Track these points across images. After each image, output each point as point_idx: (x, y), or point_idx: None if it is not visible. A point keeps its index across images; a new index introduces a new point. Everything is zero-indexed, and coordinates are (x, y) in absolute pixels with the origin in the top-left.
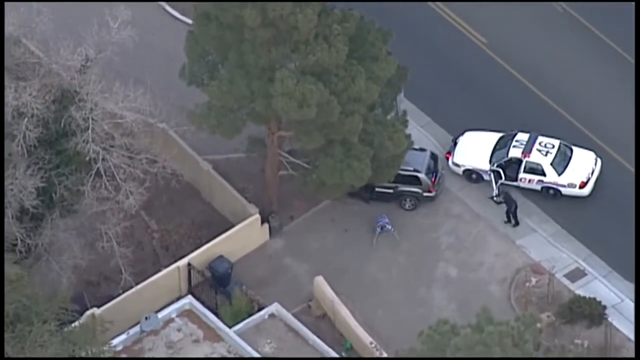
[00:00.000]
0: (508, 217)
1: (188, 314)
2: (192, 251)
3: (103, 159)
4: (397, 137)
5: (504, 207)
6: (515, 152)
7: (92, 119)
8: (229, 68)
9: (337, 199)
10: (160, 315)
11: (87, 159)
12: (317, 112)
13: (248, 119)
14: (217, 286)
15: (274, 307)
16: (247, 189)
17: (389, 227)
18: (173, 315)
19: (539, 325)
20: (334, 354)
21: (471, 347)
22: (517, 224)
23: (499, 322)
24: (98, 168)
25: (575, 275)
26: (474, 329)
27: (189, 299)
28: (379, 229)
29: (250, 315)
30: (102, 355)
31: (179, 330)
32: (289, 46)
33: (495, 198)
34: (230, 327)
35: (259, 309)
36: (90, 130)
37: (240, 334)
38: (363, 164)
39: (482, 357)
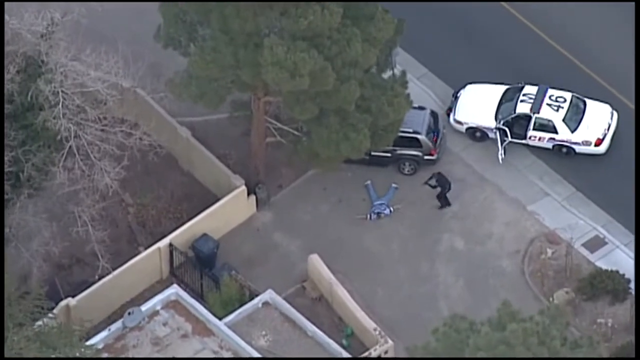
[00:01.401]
0: (440, 200)
1: (174, 306)
2: (173, 230)
3: (75, 136)
4: (397, 102)
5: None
6: (523, 108)
7: (63, 92)
8: (212, 33)
9: (331, 170)
10: (144, 307)
11: (59, 137)
12: (311, 81)
13: (233, 87)
14: (202, 268)
15: (268, 295)
16: (229, 155)
17: (387, 211)
18: (158, 308)
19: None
20: (336, 346)
21: (493, 347)
22: (448, 204)
23: (522, 318)
24: (70, 146)
25: (595, 244)
26: (494, 327)
27: (175, 288)
28: (374, 215)
29: (241, 304)
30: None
31: (165, 324)
32: (277, 9)
33: (429, 182)
34: (220, 319)
35: (251, 297)
36: (60, 105)
37: (232, 326)
38: (361, 135)
39: (505, 357)
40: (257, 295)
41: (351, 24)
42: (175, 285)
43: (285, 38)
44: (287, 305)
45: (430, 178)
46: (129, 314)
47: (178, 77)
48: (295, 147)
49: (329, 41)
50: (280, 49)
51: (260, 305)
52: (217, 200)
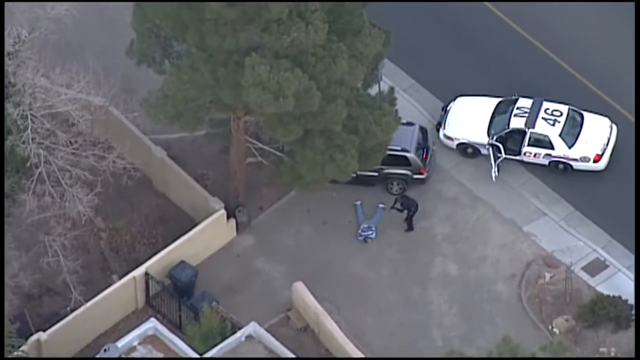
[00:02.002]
0: (407, 223)
1: (152, 341)
2: (148, 257)
3: (46, 162)
4: (386, 122)
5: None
6: (517, 122)
7: (32, 115)
8: (188, 50)
9: (315, 191)
10: (121, 343)
11: (28, 163)
12: (295, 102)
13: (212, 107)
14: (180, 298)
15: (252, 328)
16: (207, 175)
17: (374, 235)
18: (135, 343)
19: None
20: None
21: None
22: (410, 229)
23: (523, 357)
24: (40, 172)
25: (595, 267)
26: None
27: (152, 322)
28: (360, 239)
29: (223, 337)
30: None
31: None
32: (258, 25)
33: (395, 205)
34: (201, 354)
35: (233, 329)
36: (29, 129)
37: None
38: (348, 156)
39: None
40: (239, 328)
41: (337, 40)
42: (152, 320)
43: (267, 56)
44: (272, 339)
45: (396, 202)
46: (105, 350)
47: (153, 96)
48: (277, 168)
49: (314, 58)
50: (263, 69)
51: (243, 339)
52: (195, 223)
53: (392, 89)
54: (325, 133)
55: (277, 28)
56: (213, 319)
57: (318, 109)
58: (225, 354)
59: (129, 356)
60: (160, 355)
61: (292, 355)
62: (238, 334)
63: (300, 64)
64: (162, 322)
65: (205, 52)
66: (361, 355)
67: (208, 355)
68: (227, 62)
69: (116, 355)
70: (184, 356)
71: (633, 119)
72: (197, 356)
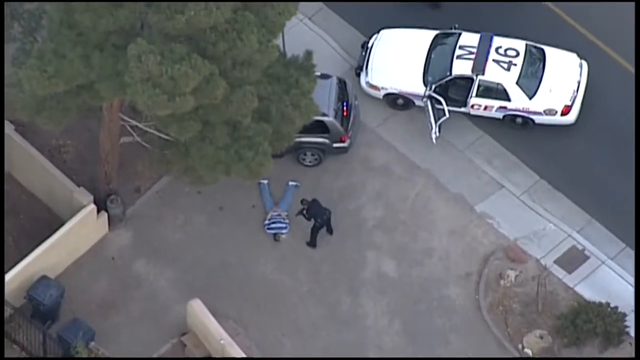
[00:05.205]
0: (311, 235)
1: None
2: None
3: None
4: (306, 105)
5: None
6: (461, 67)
7: None
8: (50, 28)
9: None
10: None
11: None
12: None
13: (87, 100)
14: (43, 324)
15: None
16: (64, 147)
17: (285, 230)
18: None
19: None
20: None
21: None
22: (313, 244)
23: None
24: None
25: (573, 259)
26: None
27: None
28: (270, 232)
29: None
30: None
31: None
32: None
33: (302, 211)
34: None
35: None
36: None
37: None
38: (260, 153)
39: None
40: None
41: (242, 8)
42: None
43: (155, 39)
44: None
45: (302, 204)
46: None
47: (6, 83)
48: (161, 153)
49: (213, 34)
50: (152, 60)
51: None
52: (52, 214)
53: (309, 54)
54: (230, 122)
55: (166, 6)
56: None
57: (222, 99)
58: None
59: None
60: None
61: None
62: None
63: (197, 44)
64: (19, 355)
65: (72, 31)
66: None
67: None
68: (104, 45)
69: None
70: None
71: (610, 51)
72: None
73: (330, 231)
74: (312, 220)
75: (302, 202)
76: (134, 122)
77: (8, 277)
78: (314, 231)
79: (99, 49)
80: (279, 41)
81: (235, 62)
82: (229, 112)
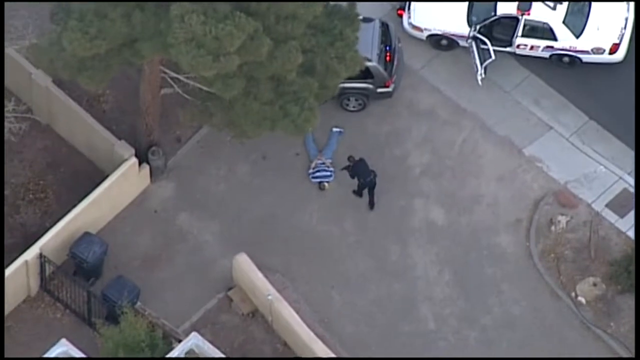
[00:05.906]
0: (359, 189)
1: None
2: (44, 231)
3: None
4: (351, 57)
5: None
6: (506, 7)
7: None
8: None
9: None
10: None
11: None
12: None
13: (129, 58)
14: (85, 281)
15: (193, 341)
16: (104, 97)
17: (331, 178)
18: None
19: None
20: None
21: None
22: (359, 194)
23: None
24: None
25: (625, 203)
26: None
27: (65, 345)
28: (315, 181)
29: (153, 350)
30: None
31: None
32: None
33: (347, 167)
34: None
35: (165, 337)
36: None
37: None
38: (306, 109)
39: None
40: (174, 337)
41: None
42: (64, 340)
43: None
44: (218, 352)
45: (348, 165)
46: None
47: (45, 40)
48: (204, 105)
49: None
50: (196, 20)
51: (183, 354)
52: (93, 166)
53: (352, 4)
54: (274, 77)
55: None
56: (137, 325)
57: (266, 55)
58: None
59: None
60: None
61: None
62: (176, 350)
63: (240, 1)
64: (62, 313)
65: None
66: (331, 355)
67: None
68: (145, 4)
69: None
70: None
71: None
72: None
73: (372, 203)
74: (356, 179)
75: (349, 158)
76: (174, 74)
77: (50, 233)
78: (359, 191)
79: (140, 8)
80: None
81: (279, 17)
82: (273, 68)
